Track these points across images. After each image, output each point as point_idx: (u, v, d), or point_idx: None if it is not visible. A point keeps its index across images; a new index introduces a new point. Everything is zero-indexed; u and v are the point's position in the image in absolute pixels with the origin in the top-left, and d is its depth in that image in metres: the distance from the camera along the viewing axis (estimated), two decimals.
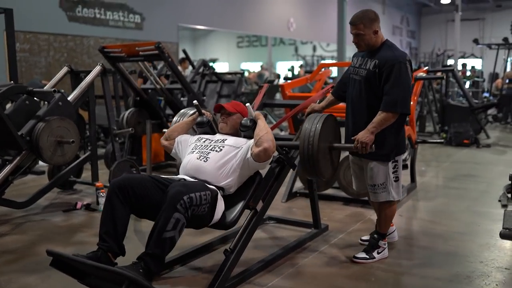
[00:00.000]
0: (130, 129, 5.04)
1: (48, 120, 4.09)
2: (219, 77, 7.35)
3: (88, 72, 4.89)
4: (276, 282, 2.96)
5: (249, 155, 2.83)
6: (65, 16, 10.12)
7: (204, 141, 3.03)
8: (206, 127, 3.20)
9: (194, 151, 2.96)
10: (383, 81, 3.03)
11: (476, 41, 13.00)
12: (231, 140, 2.99)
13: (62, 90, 4.74)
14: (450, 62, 18.61)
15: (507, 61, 14.66)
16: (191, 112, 3.39)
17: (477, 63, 19.44)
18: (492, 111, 12.20)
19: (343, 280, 3.02)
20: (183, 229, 2.50)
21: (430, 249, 3.52)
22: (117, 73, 5.89)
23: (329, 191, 4.98)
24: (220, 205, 2.79)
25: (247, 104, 3.05)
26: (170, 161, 6.43)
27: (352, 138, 3.09)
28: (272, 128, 3.51)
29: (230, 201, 2.88)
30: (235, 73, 8.00)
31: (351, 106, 3.27)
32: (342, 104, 4.08)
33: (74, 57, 10.34)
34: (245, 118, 3.07)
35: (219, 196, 2.79)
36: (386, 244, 3.37)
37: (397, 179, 3.24)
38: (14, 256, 3.41)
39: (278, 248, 3.43)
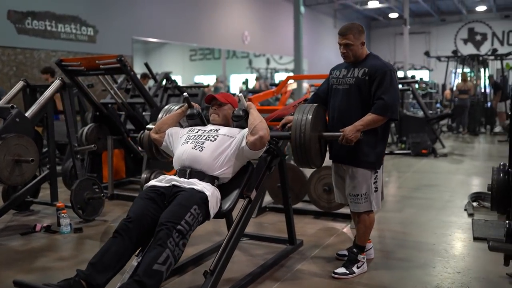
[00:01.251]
0: (93, 145, 4.82)
1: (5, 138, 3.84)
2: (182, 90, 7.19)
3: (45, 87, 4.64)
4: None
5: (244, 143, 2.89)
6: (13, 28, 9.67)
7: (197, 132, 3.05)
8: (196, 119, 3.22)
9: (188, 141, 2.97)
10: (375, 87, 3.08)
11: (427, 54, 13.44)
12: (224, 129, 3.03)
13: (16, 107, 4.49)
14: (400, 74, 19.16)
15: (454, 73, 15.26)
16: (177, 107, 3.37)
17: (424, 75, 20.12)
18: (445, 122, 12.62)
19: None
20: (171, 268, 2.45)
21: (407, 261, 3.51)
22: (75, 87, 5.64)
23: (299, 205, 4.92)
24: (216, 198, 2.83)
25: (240, 94, 3.13)
26: (132, 178, 6.21)
27: (340, 130, 3.09)
28: None
29: (225, 191, 2.95)
30: (198, 87, 7.86)
31: (338, 115, 3.25)
32: None
33: (24, 70, 9.89)
34: (236, 108, 3.15)
35: (212, 190, 2.80)
36: (365, 258, 3.33)
37: (376, 189, 3.24)
38: None
39: (255, 266, 3.32)
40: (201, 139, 2.96)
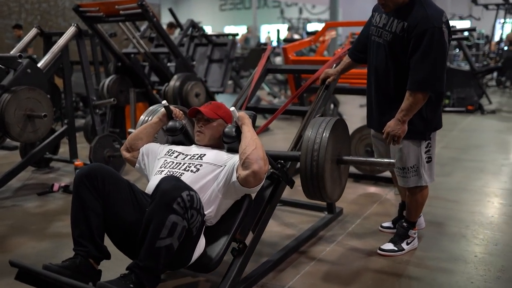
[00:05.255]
0: (112, 99, 4.45)
1: (15, 91, 3.49)
2: (210, 39, 6.70)
3: (61, 34, 4.25)
4: (295, 283, 2.48)
5: (234, 178, 2.14)
6: None
7: (176, 156, 2.33)
8: (179, 135, 2.51)
9: (162, 171, 2.26)
10: (411, 51, 2.46)
11: (474, 1, 12.39)
12: (210, 155, 2.29)
13: (35, 56, 4.14)
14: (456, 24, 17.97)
15: (502, 24, 14.16)
16: (162, 109, 2.58)
17: (464, 25, 18.85)
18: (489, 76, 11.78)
19: (371, 276, 2.56)
20: (184, 233, 1.94)
21: (462, 236, 3.07)
22: (95, 36, 5.25)
23: None
24: (201, 240, 2.15)
25: (232, 108, 2.28)
26: None
27: (384, 136, 2.58)
28: (263, 127, 2.90)
29: (211, 234, 2.21)
30: (228, 35, 7.33)
31: (375, 79, 2.71)
32: (361, 69, 3.57)
33: (48, 19, 9.56)
34: (229, 125, 2.35)
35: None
36: (416, 234, 2.90)
37: (429, 160, 2.73)
38: None
39: (290, 239, 2.95)
40: (179, 168, 2.24)
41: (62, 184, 4.07)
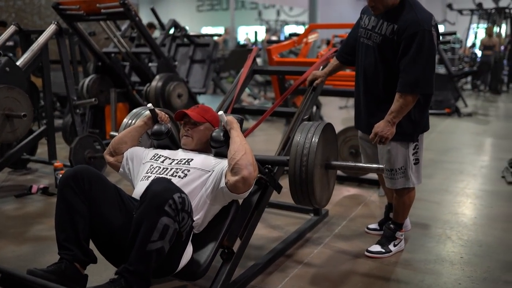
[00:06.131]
0: (93, 99, 4.35)
1: None
2: (192, 40, 6.64)
3: (40, 33, 4.14)
4: (283, 286, 2.46)
5: (223, 183, 2.09)
6: None
7: (162, 161, 2.27)
8: (165, 139, 2.43)
9: (149, 176, 2.19)
10: (401, 53, 2.47)
11: (449, 6, 12.61)
12: (198, 160, 2.23)
13: (10, 54, 4.03)
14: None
15: (474, 29, 14.46)
16: (147, 112, 2.53)
17: (439, 29, 19.14)
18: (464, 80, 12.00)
19: (360, 279, 2.55)
20: (175, 236, 1.90)
21: (447, 237, 3.09)
22: (74, 35, 5.14)
23: None
24: (189, 247, 2.10)
25: (220, 113, 2.25)
26: None
27: (370, 137, 2.58)
28: (251, 130, 2.87)
29: (198, 241, 2.16)
30: (210, 35, 7.27)
31: (363, 80, 2.72)
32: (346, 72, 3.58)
33: (23, 17, 9.32)
34: (216, 129, 2.30)
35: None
36: (403, 235, 2.91)
37: (417, 162, 2.74)
38: None
39: (276, 242, 2.92)
40: (166, 174, 2.18)
41: (41, 186, 3.97)
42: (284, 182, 2.41)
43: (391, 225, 2.88)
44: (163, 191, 1.85)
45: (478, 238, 3.08)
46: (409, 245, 2.96)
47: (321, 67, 3.04)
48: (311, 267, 2.68)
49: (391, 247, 2.83)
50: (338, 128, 4.27)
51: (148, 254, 1.83)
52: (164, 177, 2.07)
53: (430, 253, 2.85)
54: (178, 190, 1.89)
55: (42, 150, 4.75)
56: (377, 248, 2.83)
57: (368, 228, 3.21)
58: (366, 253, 2.82)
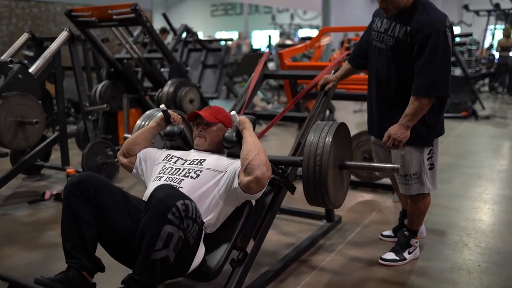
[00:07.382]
0: (105, 105, 4.36)
1: (6, 97, 3.40)
2: (204, 45, 6.64)
3: (53, 39, 4.16)
4: None
5: (236, 184, 2.07)
6: None
7: (175, 162, 2.26)
8: (177, 140, 2.42)
9: (161, 177, 2.19)
10: (415, 55, 2.41)
11: (466, 7, 12.45)
12: (211, 160, 2.21)
13: (25, 61, 4.05)
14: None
15: (495, 28, 14.22)
16: (159, 114, 2.52)
17: (455, 31, 18.93)
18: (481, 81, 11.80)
19: (374, 286, 2.50)
20: (180, 244, 1.86)
21: (465, 244, 3.01)
22: (87, 41, 5.16)
23: None
24: (201, 248, 2.08)
25: (232, 113, 2.24)
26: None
27: (383, 140, 2.52)
28: (263, 132, 2.81)
29: (211, 242, 2.14)
30: (222, 40, 7.27)
31: (376, 84, 2.66)
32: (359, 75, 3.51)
33: (39, 25, 9.44)
34: (229, 129, 2.27)
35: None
36: (418, 243, 2.84)
37: (432, 166, 2.67)
38: None
39: (289, 248, 2.88)
40: (178, 174, 2.16)
41: (54, 192, 3.97)
42: (297, 187, 2.36)
43: (406, 232, 2.81)
44: (165, 198, 1.82)
45: (497, 246, 2.99)
46: (424, 253, 2.89)
47: (333, 71, 2.99)
48: (324, 275, 2.62)
49: (405, 254, 2.77)
50: (352, 132, 4.22)
51: (153, 263, 1.81)
52: (168, 184, 2.05)
53: (447, 261, 2.78)
54: (181, 196, 1.86)
55: (56, 156, 4.77)
56: (391, 255, 2.77)
57: (382, 235, 3.14)
58: (380, 261, 2.76)
